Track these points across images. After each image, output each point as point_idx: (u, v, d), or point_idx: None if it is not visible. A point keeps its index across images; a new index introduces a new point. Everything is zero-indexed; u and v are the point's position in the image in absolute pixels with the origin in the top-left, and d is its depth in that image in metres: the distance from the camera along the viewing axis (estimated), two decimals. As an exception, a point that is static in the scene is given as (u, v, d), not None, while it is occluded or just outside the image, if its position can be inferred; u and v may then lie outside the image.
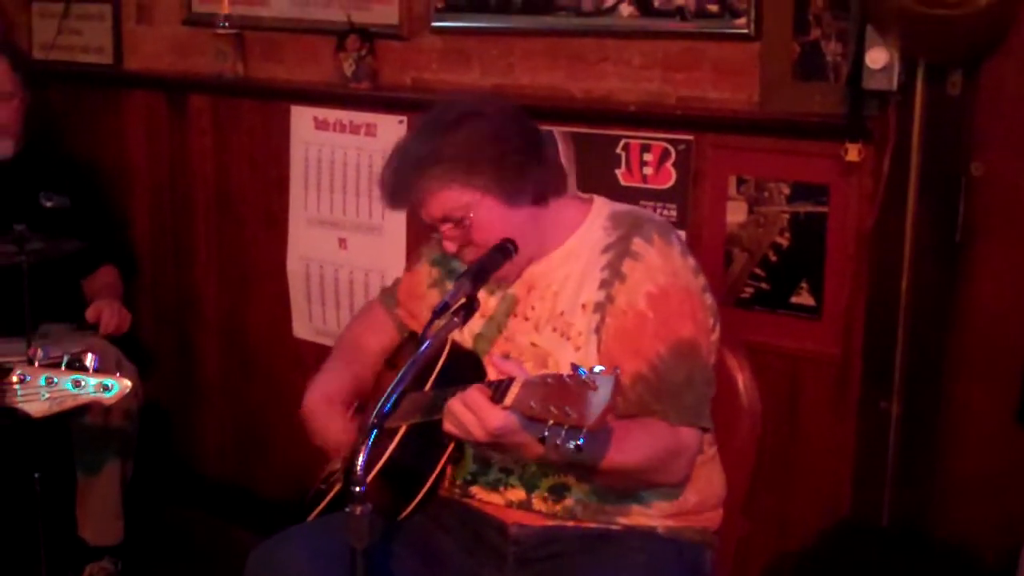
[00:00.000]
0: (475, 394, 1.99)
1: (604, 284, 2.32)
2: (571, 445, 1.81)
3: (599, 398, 1.80)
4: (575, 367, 1.84)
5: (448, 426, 2.04)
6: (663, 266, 2.32)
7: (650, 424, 2.24)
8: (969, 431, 2.76)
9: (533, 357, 2.36)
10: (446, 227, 2.32)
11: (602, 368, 1.83)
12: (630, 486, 2.33)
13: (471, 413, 1.98)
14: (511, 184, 2.29)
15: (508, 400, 1.93)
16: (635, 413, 2.27)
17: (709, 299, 2.40)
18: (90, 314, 3.62)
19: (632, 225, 2.37)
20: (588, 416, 1.79)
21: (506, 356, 2.30)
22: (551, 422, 1.83)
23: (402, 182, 2.31)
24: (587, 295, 2.34)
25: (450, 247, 2.35)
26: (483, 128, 2.31)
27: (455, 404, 2.01)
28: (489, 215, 2.29)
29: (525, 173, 2.31)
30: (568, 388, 1.83)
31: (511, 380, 1.95)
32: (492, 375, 2.21)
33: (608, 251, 2.35)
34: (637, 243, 2.33)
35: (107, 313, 3.62)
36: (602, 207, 2.44)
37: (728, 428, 2.50)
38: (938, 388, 2.78)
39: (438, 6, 3.44)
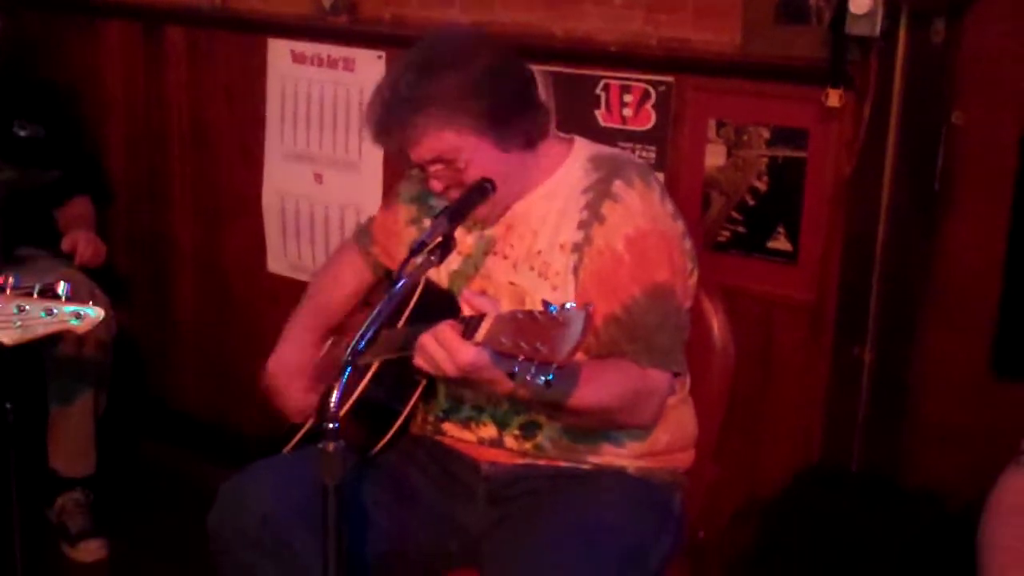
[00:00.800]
0: (446, 329, 1.98)
1: (583, 225, 2.32)
2: (541, 381, 1.82)
3: (570, 334, 1.80)
4: (546, 303, 1.84)
5: (419, 361, 2.04)
6: (643, 210, 2.32)
7: (621, 365, 2.26)
8: (941, 379, 2.78)
9: (510, 295, 2.36)
10: (436, 167, 2.30)
11: (573, 304, 1.83)
12: (599, 426, 2.34)
13: (442, 349, 1.98)
14: (505, 127, 2.28)
15: (479, 336, 1.93)
16: (607, 354, 2.28)
17: (688, 244, 2.41)
18: (65, 244, 3.59)
19: (613, 167, 2.37)
20: (558, 352, 1.80)
21: (483, 293, 2.30)
22: (521, 358, 1.83)
23: (394, 120, 2.27)
24: (565, 235, 2.33)
25: (437, 186, 2.33)
26: (479, 69, 2.27)
27: (426, 339, 2.01)
28: (481, 157, 2.27)
29: (518, 116, 2.30)
30: (539, 324, 1.83)
31: (482, 316, 1.95)
32: (466, 312, 2.21)
33: (588, 192, 2.34)
34: (618, 185, 2.33)
35: (83, 243, 3.59)
36: (582, 148, 2.44)
37: (701, 371, 2.51)
38: (911, 336, 2.80)
39: (419, -60, 3.40)
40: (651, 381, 2.28)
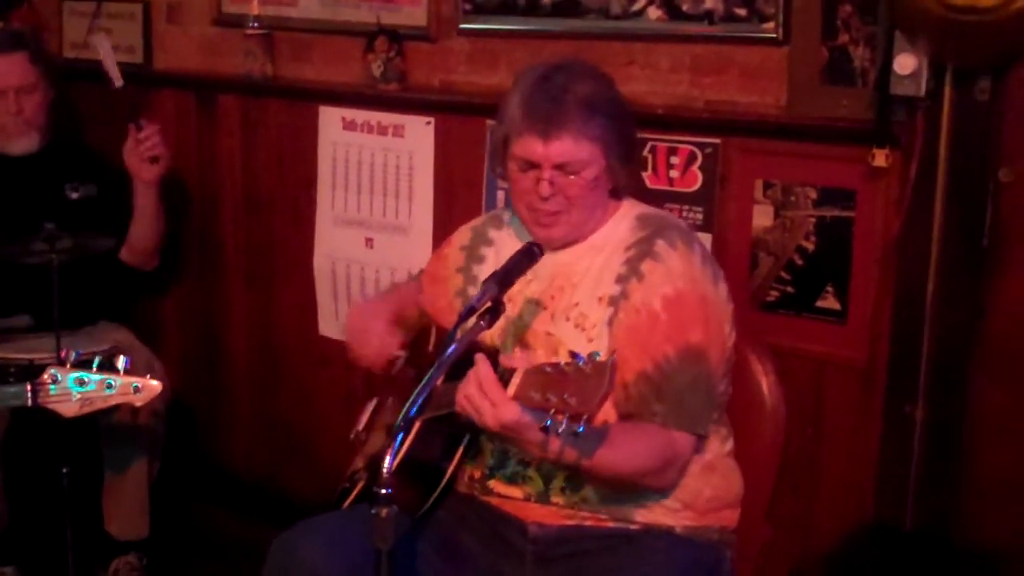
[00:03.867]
0: (494, 382, 2.01)
1: (620, 279, 2.36)
2: (572, 434, 1.85)
3: (597, 385, 1.83)
4: (573, 354, 1.88)
5: (460, 408, 2.08)
6: (683, 271, 2.35)
7: (648, 429, 2.27)
8: (994, 437, 2.75)
9: (546, 345, 2.39)
10: (555, 172, 2.34)
11: (599, 354, 1.86)
12: (622, 487, 2.35)
13: (487, 401, 2.01)
14: (624, 167, 2.40)
15: (511, 391, 1.98)
16: (635, 411, 2.29)
17: (729, 309, 2.43)
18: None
19: (658, 228, 2.41)
20: (587, 403, 1.83)
21: (524, 343, 2.39)
22: (552, 411, 1.86)
23: (558, 112, 2.31)
24: (604, 289, 2.37)
25: (545, 189, 2.35)
26: (628, 109, 2.45)
27: (471, 389, 2.04)
28: (595, 181, 2.37)
29: (635, 164, 2.47)
30: (567, 376, 1.87)
31: (513, 371, 1.98)
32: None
33: (630, 249, 2.39)
34: (660, 245, 2.37)
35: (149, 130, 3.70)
36: (631, 207, 2.48)
37: (752, 432, 2.50)
38: (963, 392, 2.77)
39: (466, 8, 3.44)
40: (676, 446, 2.30)
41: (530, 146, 2.34)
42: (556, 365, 1.90)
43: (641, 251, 2.37)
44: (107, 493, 3.68)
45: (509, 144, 2.39)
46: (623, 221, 2.45)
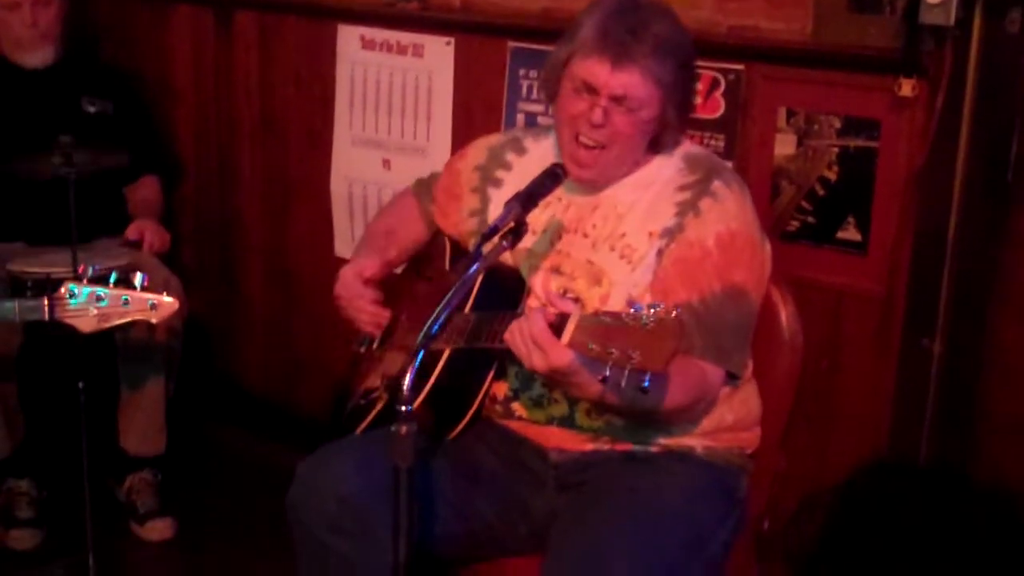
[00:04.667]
0: (542, 326, 1.98)
1: (679, 213, 2.36)
2: (635, 387, 1.82)
3: (664, 342, 1.81)
4: (631, 303, 1.85)
5: (513, 347, 2.06)
6: (737, 213, 2.37)
7: (684, 367, 2.22)
8: (1011, 372, 2.74)
9: (587, 274, 2.39)
10: (610, 103, 2.31)
11: (659, 305, 1.83)
12: (658, 423, 2.36)
13: (537, 346, 1.99)
14: (681, 114, 2.39)
15: (565, 339, 1.94)
16: None
17: (768, 251, 2.44)
18: (131, 233, 3.66)
19: (711, 168, 2.43)
20: (654, 360, 1.81)
21: (557, 270, 2.40)
22: (611, 363, 1.83)
23: (633, 44, 2.28)
24: (657, 223, 2.37)
25: (597, 116, 2.32)
26: (693, 59, 2.42)
27: (518, 333, 2.03)
28: (646, 123, 2.35)
29: (688, 112, 2.45)
30: (628, 328, 1.84)
31: (566, 316, 1.95)
32: (537, 291, 2.34)
33: (685, 190, 2.39)
34: (717, 185, 2.38)
35: (149, 233, 3.65)
36: (677, 147, 2.46)
37: (769, 361, 2.50)
38: (982, 328, 2.76)
39: (489, -74, 3.40)
40: (709, 380, 2.32)
41: (596, 69, 2.30)
42: (616, 315, 1.87)
43: (699, 190, 2.37)
44: (123, 409, 3.69)
45: (570, 63, 2.35)
46: (671, 159, 2.44)
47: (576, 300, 2.32)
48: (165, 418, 3.72)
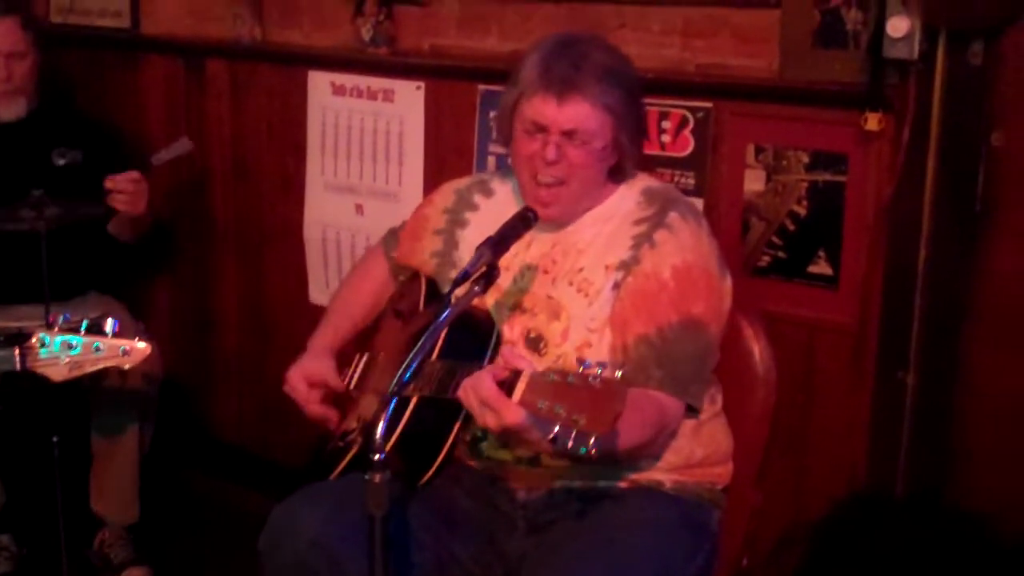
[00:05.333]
0: (491, 387, 1.97)
1: (634, 246, 2.37)
2: (582, 451, 1.82)
3: (609, 405, 1.80)
4: (580, 362, 1.85)
5: (465, 405, 2.05)
6: (694, 245, 2.38)
7: (640, 403, 2.21)
8: (985, 402, 2.75)
9: (546, 309, 2.41)
10: (561, 138, 2.33)
11: (606, 365, 1.83)
12: (621, 460, 2.34)
13: (487, 406, 1.98)
14: (633, 143, 2.41)
15: (515, 397, 1.93)
16: (631, 374, 2.26)
17: (728, 283, 2.44)
18: (107, 183, 3.55)
19: (668, 201, 2.45)
20: (599, 424, 1.80)
21: (520, 307, 2.42)
22: (559, 424, 1.83)
23: (577, 77, 2.30)
24: (613, 256, 2.38)
25: (551, 153, 2.34)
26: (640, 86, 2.44)
27: (469, 393, 2.02)
28: (601, 153, 2.36)
29: (640, 140, 2.47)
30: (576, 388, 1.83)
31: (517, 374, 1.95)
32: (506, 337, 2.35)
33: (641, 223, 2.40)
34: (673, 217, 2.40)
35: (123, 181, 3.54)
36: (636, 180, 2.49)
37: (743, 397, 2.50)
38: (955, 358, 2.77)
39: (456, -29, 3.42)
40: (668, 414, 2.31)
41: (542, 107, 2.33)
42: (565, 374, 1.86)
43: (654, 223, 2.39)
44: (96, 465, 3.65)
45: (518, 106, 2.38)
46: (629, 192, 2.46)
47: (539, 338, 2.36)
48: (139, 479, 3.68)
